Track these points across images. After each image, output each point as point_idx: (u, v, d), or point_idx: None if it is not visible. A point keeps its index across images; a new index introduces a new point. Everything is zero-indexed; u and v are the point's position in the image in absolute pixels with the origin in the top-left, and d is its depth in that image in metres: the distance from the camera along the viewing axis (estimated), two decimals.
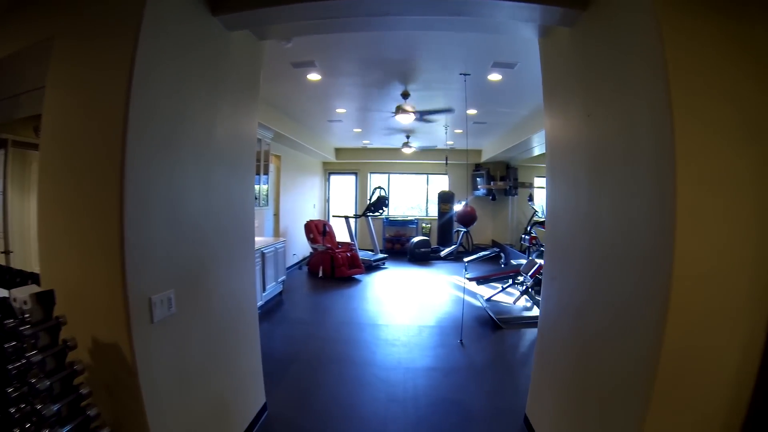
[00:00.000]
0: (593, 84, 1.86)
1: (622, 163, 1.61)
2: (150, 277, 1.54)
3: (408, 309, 5.65)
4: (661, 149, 1.35)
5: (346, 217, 9.12)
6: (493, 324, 4.95)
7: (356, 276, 7.82)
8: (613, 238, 1.67)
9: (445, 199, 9.32)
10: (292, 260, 8.67)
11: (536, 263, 4.96)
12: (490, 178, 9.98)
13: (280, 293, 6.27)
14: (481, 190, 10.33)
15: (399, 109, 5.06)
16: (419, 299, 6.22)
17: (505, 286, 5.92)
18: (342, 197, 11.85)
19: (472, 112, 5.92)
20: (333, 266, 7.68)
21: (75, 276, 1.52)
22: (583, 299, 1.96)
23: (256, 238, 6.46)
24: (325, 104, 5.87)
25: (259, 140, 6.02)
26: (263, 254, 5.38)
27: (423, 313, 5.49)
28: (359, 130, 8.03)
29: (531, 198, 8.65)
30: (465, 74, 4.27)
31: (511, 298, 6.01)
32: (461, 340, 4.35)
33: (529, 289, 5.17)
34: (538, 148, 8.54)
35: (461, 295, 6.47)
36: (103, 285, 1.45)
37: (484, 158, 10.16)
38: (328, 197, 11.76)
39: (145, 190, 1.50)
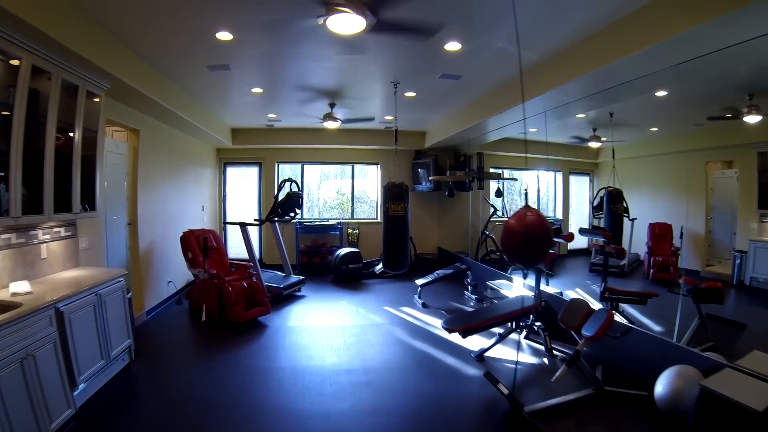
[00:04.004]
0: None
1: None
2: None
3: (359, 401, 3.06)
4: None
5: (243, 224, 6.16)
6: (519, 423, 2.62)
7: (259, 318, 4.99)
8: None
9: (396, 194, 6.04)
10: (164, 292, 5.53)
11: (602, 312, 2.71)
12: (438, 169, 7.71)
13: (128, 366, 3.33)
14: (425, 184, 8.04)
15: (333, 8, 2.46)
16: (368, 366, 3.65)
17: (504, 333, 3.64)
18: (243, 196, 8.76)
19: (453, 47, 3.54)
20: (222, 305, 4.77)
21: None
22: None
23: (54, 275, 2.91)
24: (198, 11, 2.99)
25: (75, 87, 2.95)
26: (60, 315, 2.41)
27: (387, 408, 2.95)
28: (259, 90, 5.18)
29: (499, 193, 6.57)
30: None
31: (504, 349, 3.76)
32: None
33: (580, 356, 2.87)
34: (496, 132, 6.52)
35: (433, 350, 4.03)
36: None
37: (428, 143, 7.91)
38: (225, 196, 8.60)
39: None
